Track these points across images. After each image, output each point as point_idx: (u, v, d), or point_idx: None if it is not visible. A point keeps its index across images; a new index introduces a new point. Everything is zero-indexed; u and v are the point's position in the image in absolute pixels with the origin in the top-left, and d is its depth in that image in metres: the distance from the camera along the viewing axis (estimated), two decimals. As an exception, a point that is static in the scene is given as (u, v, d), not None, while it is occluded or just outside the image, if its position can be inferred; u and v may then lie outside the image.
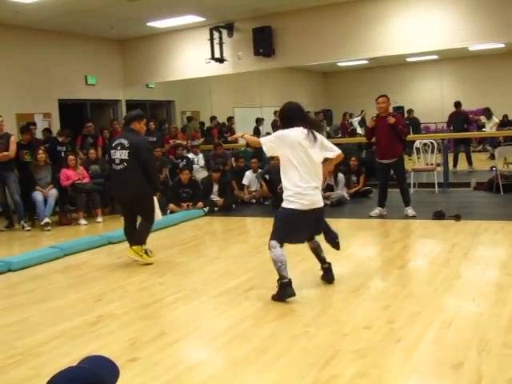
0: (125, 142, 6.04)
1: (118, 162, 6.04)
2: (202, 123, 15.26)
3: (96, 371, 1.50)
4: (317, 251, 4.91)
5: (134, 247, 6.12)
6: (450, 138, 12.68)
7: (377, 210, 8.16)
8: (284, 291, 4.49)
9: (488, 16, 9.26)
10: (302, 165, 4.44)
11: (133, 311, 4.56)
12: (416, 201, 8.24)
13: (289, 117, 4.62)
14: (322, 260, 4.93)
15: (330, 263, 4.94)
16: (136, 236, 6.20)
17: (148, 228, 6.29)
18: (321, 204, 4.58)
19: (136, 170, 5.99)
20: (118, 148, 6.05)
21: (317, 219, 4.64)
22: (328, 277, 4.92)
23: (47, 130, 11.11)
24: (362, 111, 19.62)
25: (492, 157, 15.43)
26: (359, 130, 18.17)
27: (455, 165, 12.74)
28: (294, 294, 4.49)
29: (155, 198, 6.28)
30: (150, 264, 6.09)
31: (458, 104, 13.30)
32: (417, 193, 8.35)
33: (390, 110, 8.25)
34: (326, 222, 4.93)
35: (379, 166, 8.14)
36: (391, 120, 7.72)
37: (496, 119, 15.21)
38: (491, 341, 3.44)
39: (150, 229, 6.34)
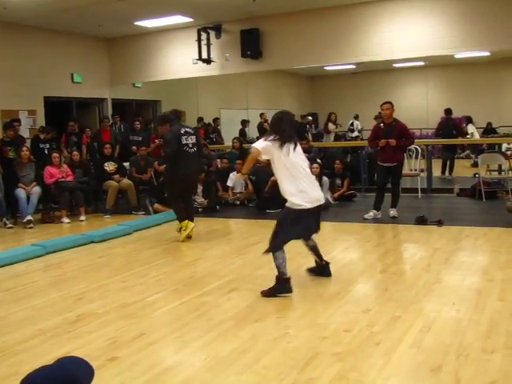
0: (189, 129, 7.22)
1: (191, 145, 7.11)
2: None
3: (70, 370, 1.49)
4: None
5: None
6: (434, 144, 12.75)
7: (371, 213, 8.22)
8: (281, 287, 4.69)
9: (474, 24, 9.36)
10: None
11: (113, 311, 4.54)
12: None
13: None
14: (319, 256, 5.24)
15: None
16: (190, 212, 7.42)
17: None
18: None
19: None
20: (187, 135, 7.11)
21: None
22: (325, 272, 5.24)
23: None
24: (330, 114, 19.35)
25: (475, 164, 15.57)
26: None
27: (443, 171, 12.77)
28: (291, 291, 4.71)
29: None
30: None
31: (448, 111, 13.32)
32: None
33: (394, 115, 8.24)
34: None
35: (380, 169, 8.30)
36: (392, 143, 7.89)
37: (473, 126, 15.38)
38: (470, 346, 3.47)
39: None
